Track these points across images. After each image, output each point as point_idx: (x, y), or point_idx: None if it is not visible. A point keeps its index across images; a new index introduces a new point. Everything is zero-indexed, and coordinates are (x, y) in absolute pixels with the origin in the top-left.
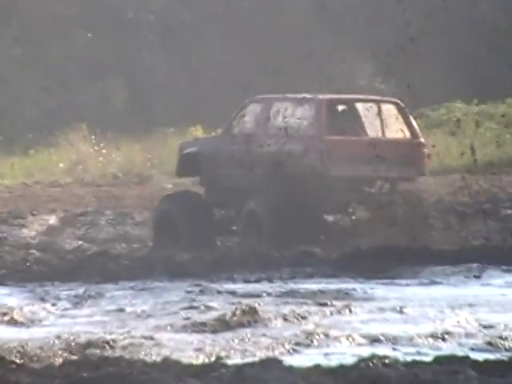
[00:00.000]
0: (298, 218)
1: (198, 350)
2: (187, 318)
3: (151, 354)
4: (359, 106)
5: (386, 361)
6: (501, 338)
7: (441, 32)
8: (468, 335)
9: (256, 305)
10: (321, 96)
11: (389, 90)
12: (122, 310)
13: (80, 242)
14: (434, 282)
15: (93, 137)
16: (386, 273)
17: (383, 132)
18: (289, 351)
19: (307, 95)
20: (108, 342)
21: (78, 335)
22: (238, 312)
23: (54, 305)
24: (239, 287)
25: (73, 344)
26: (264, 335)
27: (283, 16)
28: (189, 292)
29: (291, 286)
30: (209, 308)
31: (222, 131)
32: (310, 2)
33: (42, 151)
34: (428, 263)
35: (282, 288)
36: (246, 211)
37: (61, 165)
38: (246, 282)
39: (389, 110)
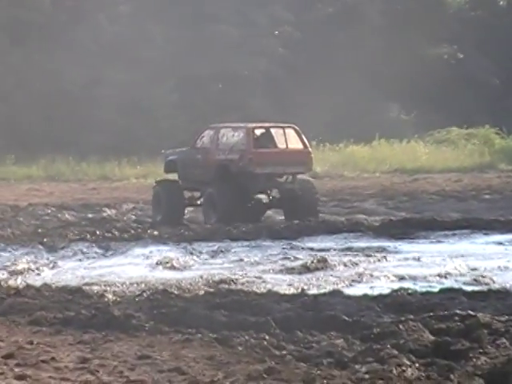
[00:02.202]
0: (236, 198)
1: (290, 285)
2: (282, 265)
3: (260, 288)
4: (272, 130)
5: (409, 291)
6: (482, 276)
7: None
8: (461, 275)
9: (326, 256)
10: (249, 124)
11: (410, 120)
12: (241, 260)
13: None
14: (439, 241)
15: None
16: (409, 235)
17: (287, 145)
18: (347, 285)
19: (241, 124)
20: (232, 280)
21: (214, 276)
22: (314, 260)
23: (198, 256)
24: (315, 245)
25: (210, 281)
26: (331, 275)
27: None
28: (283, 248)
29: (348, 244)
30: (296, 258)
31: (190, 146)
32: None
33: None
34: (435, 229)
35: (342, 245)
36: (206, 194)
37: None
38: (320, 241)
39: (289, 132)
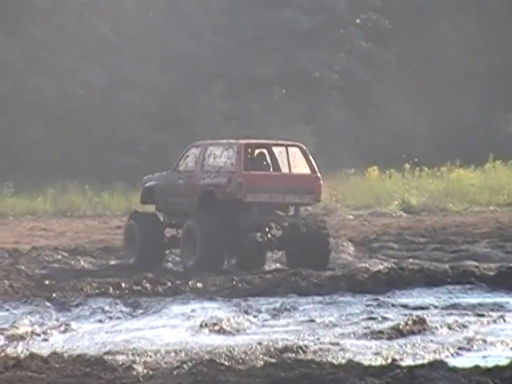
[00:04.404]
0: (222, 234)
1: (376, 353)
2: (367, 327)
3: (337, 357)
4: (271, 149)
5: None
6: None
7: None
8: None
9: (425, 316)
10: (241, 141)
11: None
12: (312, 321)
13: (277, 264)
14: None
15: None
16: None
17: (290, 168)
18: (452, 354)
19: (232, 140)
20: (301, 347)
21: (276, 341)
22: (409, 322)
23: (255, 316)
24: (410, 301)
25: (271, 349)
26: (431, 341)
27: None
28: (368, 305)
29: (454, 299)
30: (385, 318)
31: (171, 169)
32: None
33: None
34: None
35: (446, 301)
36: (185, 227)
37: None
38: (416, 296)
39: (294, 151)
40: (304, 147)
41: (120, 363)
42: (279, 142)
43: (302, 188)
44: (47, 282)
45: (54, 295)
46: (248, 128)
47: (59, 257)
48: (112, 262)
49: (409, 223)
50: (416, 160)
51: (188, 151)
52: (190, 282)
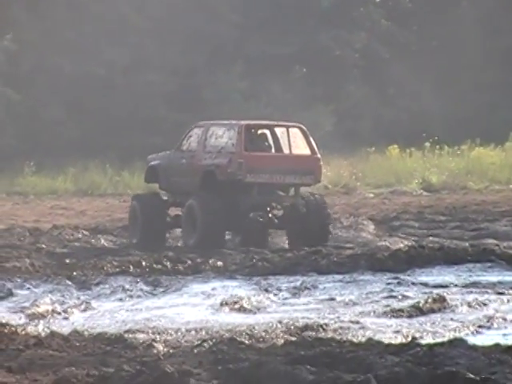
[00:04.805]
0: (222, 213)
1: (396, 331)
2: (387, 306)
3: (357, 336)
4: (272, 129)
5: None
6: None
7: None
8: None
9: (445, 294)
10: (242, 122)
11: None
12: (332, 299)
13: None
14: None
15: None
16: None
17: (290, 149)
18: (472, 332)
19: (233, 121)
20: (321, 326)
21: (297, 320)
22: (429, 300)
23: (275, 295)
24: (430, 279)
25: (292, 327)
26: (451, 319)
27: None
28: (388, 283)
29: (474, 277)
30: (405, 297)
31: (175, 148)
32: None
33: None
34: None
35: (466, 280)
36: (186, 206)
37: None
38: (436, 275)
39: (294, 132)
40: (304, 128)
41: (140, 341)
42: (280, 122)
43: (302, 169)
44: (68, 261)
45: (74, 274)
46: (268, 107)
47: (80, 235)
48: (133, 241)
49: (429, 201)
50: (436, 138)
51: (191, 131)
52: (210, 261)
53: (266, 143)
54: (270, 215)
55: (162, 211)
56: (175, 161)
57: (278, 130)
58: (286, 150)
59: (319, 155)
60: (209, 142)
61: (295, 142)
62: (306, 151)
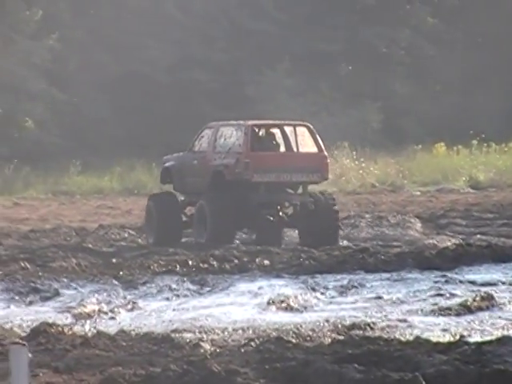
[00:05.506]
0: (231, 212)
1: (444, 330)
2: (434, 304)
3: (405, 334)
4: (279, 129)
5: None
6: None
7: None
8: None
9: (492, 292)
10: (249, 122)
11: None
12: (380, 298)
13: (345, 241)
14: None
15: (354, 153)
16: None
17: (297, 148)
18: None
19: (240, 121)
20: (369, 324)
21: (344, 319)
22: (477, 298)
23: (322, 293)
24: (478, 277)
25: (339, 326)
26: (499, 317)
27: None
28: (435, 282)
29: None
30: (453, 295)
31: (188, 149)
32: None
33: None
34: None
35: None
36: (197, 206)
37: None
38: (484, 273)
39: (302, 131)
40: (311, 127)
41: (187, 341)
42: (287, 121)
43: (309, 167)
44: (114, 260)
45: (121, 273)
46: (314, 105)
47: (126, 235)
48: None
49: (476, 199)
50: (483, 136)
51: (202, 132)
52: (256, 260)
53: (273, 142)
54: (281, 213)
55: (177, 211)
56: (187, 162)
57: (285, 129)
58: (292, 149)
59: (326, 153)
60: (218, 143)
61: (302, 140)
62: (313, 149)
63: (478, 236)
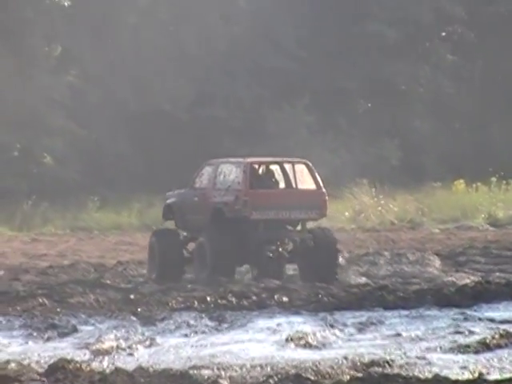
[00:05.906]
0: (231, 249)
1: (463, 368)
2: (453, 341)
3: (424, 372)
4: (278, 166)
5: None
6: None
7: None
8: None
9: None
10: (247, 159)
11: None
12: (398, 335)
13: (363, 278)
14: None
15: (373, 190)
16: None
17: (296, 184)
18: None
19: (240, 159)
20: (387, 362)
21: (362, 356)
22: (496, 335)
23: (341, 330)
24: (497, 315)
25: (358, 363)
26: None
27: None
28: (454, 319)
29: None
30: (472, 332)
31: (189, 186)
32: None
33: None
34: None
35: None
36: (197, 243)
37: (346, 214)
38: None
39: (300, 168)
40: (310, 164)
41: (205, 378)
42: (285, 159)
43: (308, 204)
44: (132, 297)
45: (139, 309)
46: (333, 141)
47: (144, 271)
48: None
49: (495, 236)
50: (503, 173)
51: (203, 169)
52: (275, 296)
53: (272, 180)
54: (280, 250)
55: (178, 247)
56: (188, 198)
57: (285, 166)
58: (292, 186)
59: (324, 190)
60: (218, 180)
61: (301, 177)
62: (312, 186)
63: (497, 273)
